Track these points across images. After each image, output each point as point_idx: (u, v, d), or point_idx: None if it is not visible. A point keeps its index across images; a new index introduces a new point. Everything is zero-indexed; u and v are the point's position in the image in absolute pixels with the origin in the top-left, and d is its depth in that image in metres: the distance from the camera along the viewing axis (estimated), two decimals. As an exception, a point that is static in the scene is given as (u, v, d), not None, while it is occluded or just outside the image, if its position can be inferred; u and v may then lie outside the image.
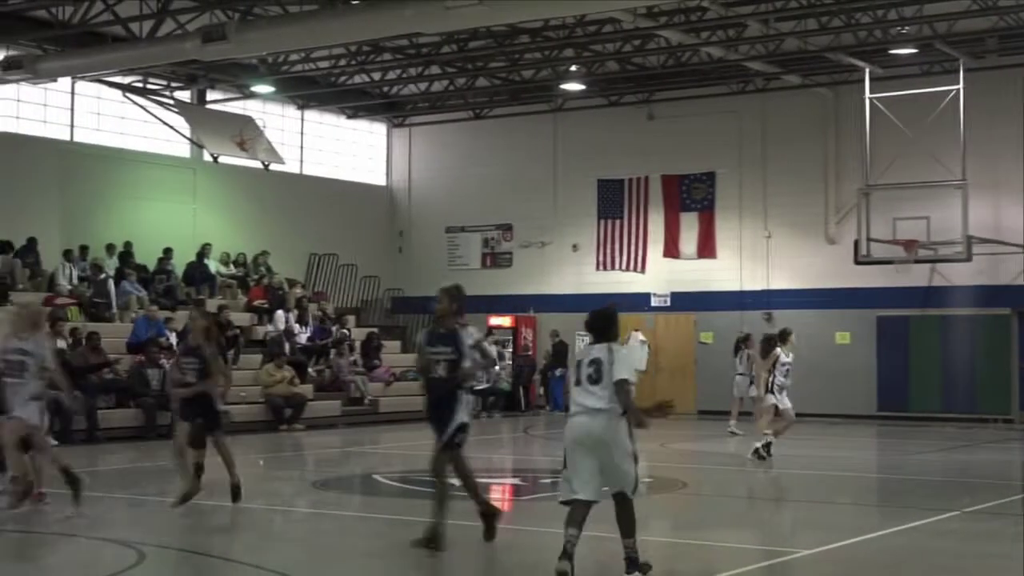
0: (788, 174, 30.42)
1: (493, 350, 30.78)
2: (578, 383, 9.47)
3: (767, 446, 19.02)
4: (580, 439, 9.29)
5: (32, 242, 26.63)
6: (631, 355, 35.43)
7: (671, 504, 15.29)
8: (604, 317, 9.63)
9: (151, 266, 28.38)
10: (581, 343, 32.35)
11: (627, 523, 9.41)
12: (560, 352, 31.76)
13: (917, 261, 27.22)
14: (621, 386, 9.24)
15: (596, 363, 9.34)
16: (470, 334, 11.06)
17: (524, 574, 10.60)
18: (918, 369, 28.34)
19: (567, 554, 9.05)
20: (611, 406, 9.21)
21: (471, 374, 11.00)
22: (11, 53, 24.29)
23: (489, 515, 11.08)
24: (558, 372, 31.65)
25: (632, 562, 9.33)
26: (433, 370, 10.87)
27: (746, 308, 30.64)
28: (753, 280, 30.86)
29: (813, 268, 30.07)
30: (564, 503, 9.32)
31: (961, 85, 26.30)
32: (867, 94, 27.18)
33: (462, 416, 10.77)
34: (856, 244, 26.93)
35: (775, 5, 24.07)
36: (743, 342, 25.23)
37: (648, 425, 9.35)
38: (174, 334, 25.39)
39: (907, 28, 25.89)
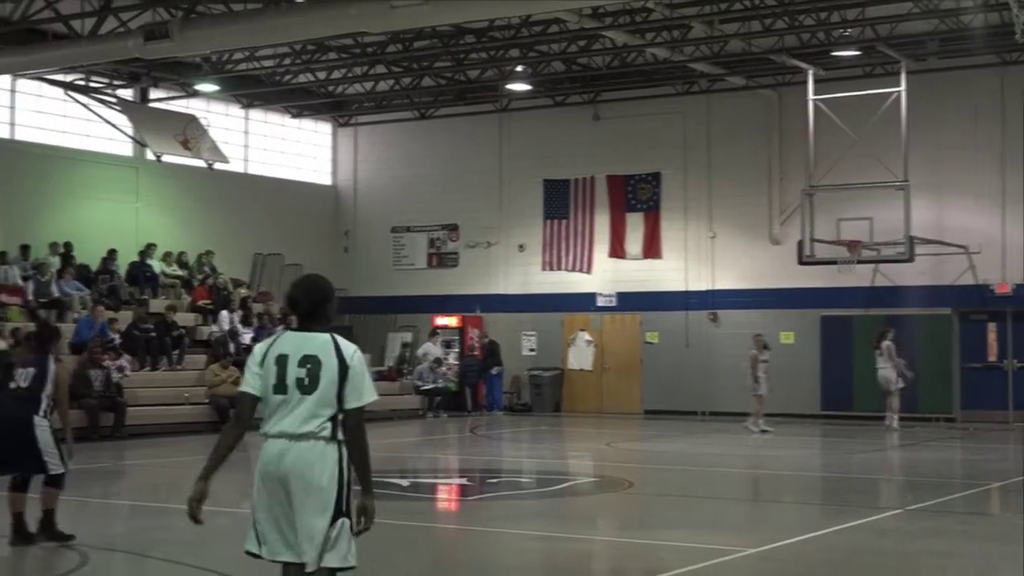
0: (733, 175, 30.55)
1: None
2: (280, 390, 6.25)
3: None
4: (269, 472, 6.19)
5: (-30, 242, 26.33)
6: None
7: (618, 504, 15.36)
8: (319, 290, 6.47)
9: (94, 266, 28.10)
10: (526, 341, 32.48)
11: None
12: (492, 351, 31.86)
13: (860, 262, 27.41)
14: (358, 416, 6.27)
15: (313, 364, 6.24)
16: None
17: (469, 574, 10.58)
18: (861, 369, 28.45)
19: None
20: (321, 428, 6.20)
21: None
22: (-50, 51, 23.99)
23: None
24: (493, 371, 31.76)
25: None
26: None
27: (691, 308, 30.77)
28: (698, 280, 30.97)
29: (757, 268, 30.22)
30: (249, 554, 6.30)
31: (903, 87, 26.49)
32: (810, 95, 27.35)
33: None
34: (800, 244, 27.06)
35: (719, 7, 24.16)
36: (883, 335, 25.75)
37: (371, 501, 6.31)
38: (118, 335, 25.32)
39: (850, 30, 26.10)
